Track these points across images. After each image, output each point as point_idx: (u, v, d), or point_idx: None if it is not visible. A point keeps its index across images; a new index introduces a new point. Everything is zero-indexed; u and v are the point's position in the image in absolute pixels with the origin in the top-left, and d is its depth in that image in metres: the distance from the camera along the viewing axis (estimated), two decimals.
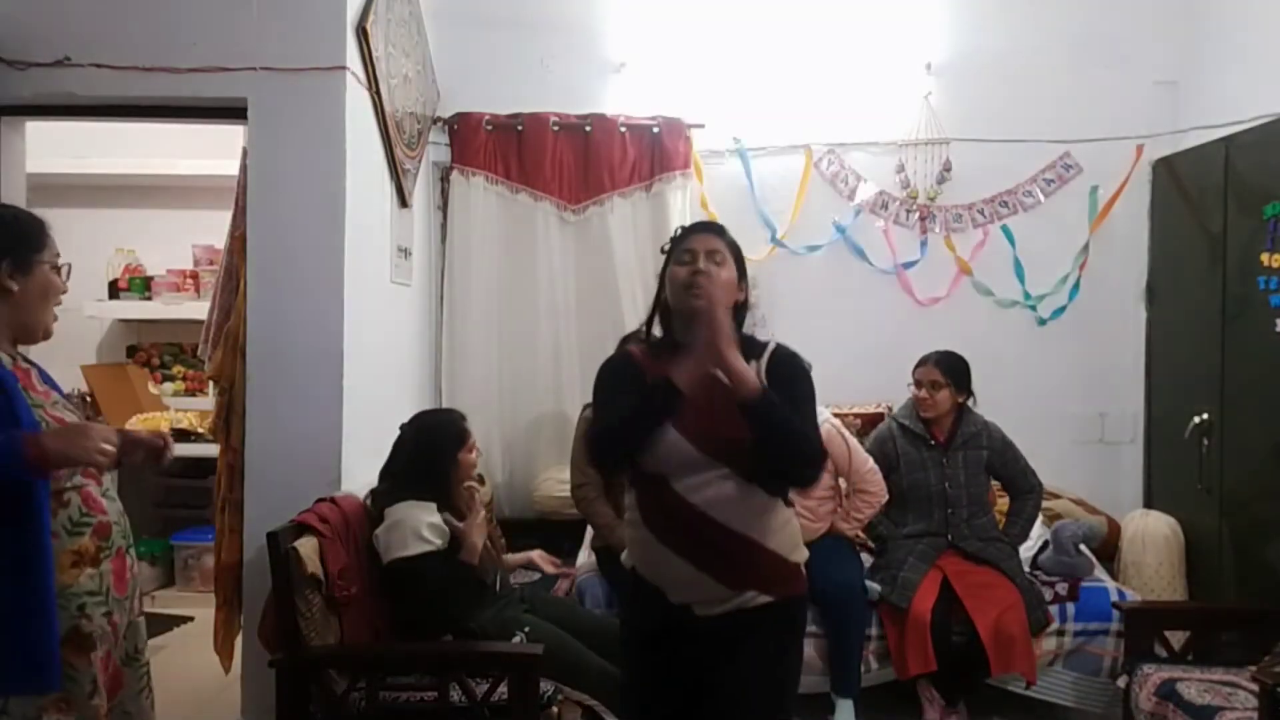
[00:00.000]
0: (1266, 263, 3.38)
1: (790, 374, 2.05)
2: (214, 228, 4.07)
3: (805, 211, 4.34)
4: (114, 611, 1.92)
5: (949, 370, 3.53)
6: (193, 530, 4.70)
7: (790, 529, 2.08)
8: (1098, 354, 4.32)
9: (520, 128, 4.20)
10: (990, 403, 3.66)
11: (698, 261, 2.04)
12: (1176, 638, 3.04)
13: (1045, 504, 3.96)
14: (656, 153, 4.20)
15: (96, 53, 3.08)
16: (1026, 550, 3.66)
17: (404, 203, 3.75)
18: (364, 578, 2.82)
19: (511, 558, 3.43)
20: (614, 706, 2.78)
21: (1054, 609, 3.36)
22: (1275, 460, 3.32)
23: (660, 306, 2.14)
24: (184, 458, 3.45)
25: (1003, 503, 3.81)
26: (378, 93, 3.34)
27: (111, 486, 2.01)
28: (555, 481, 4.02)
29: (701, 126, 4.25)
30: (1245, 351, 3.55)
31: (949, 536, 3.47)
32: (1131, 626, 3.08)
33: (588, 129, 4.20)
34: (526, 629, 2.85)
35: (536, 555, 3.44)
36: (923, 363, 3.58)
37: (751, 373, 1.90)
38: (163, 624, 4.25)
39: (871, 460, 3.52)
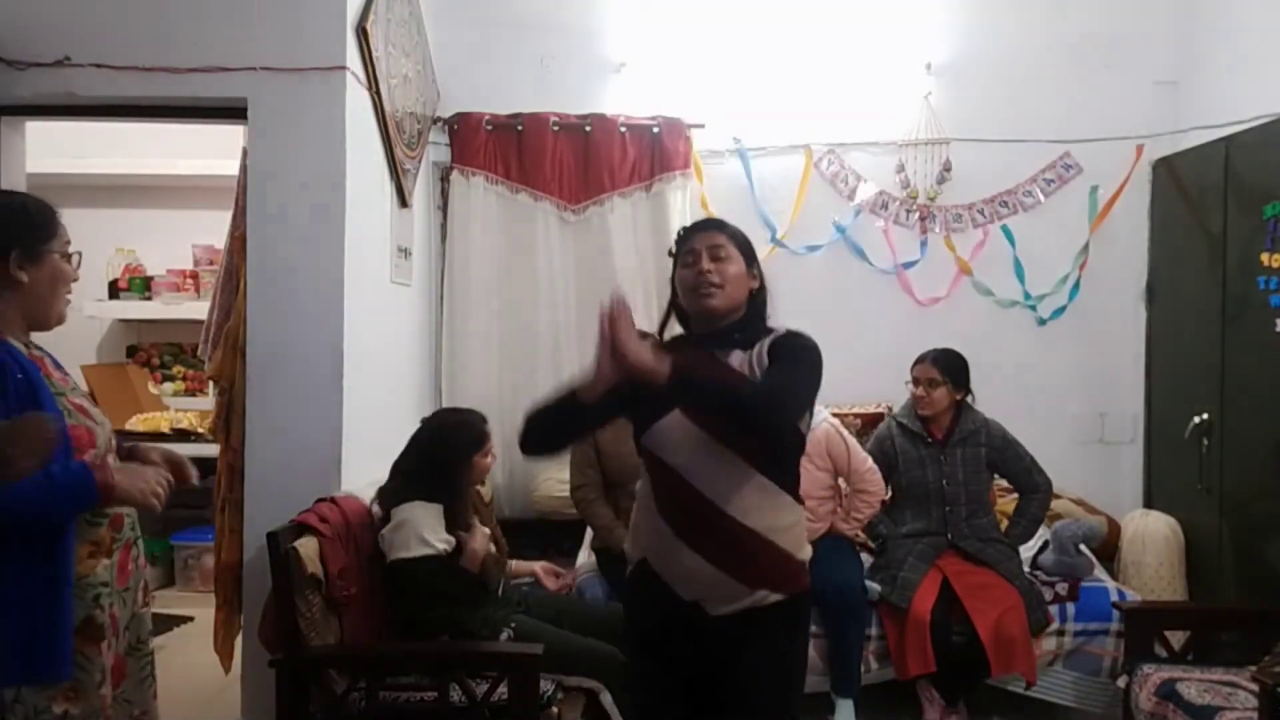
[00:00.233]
0: (1266, 263, 3.38)
1: (781, 347, 2.02)
2: (214, 228, 4.07)
3: (805, 211, 4.34)
4: (114, 603, 1.93)
5: (946, 368, 3.53)
6: (193, 530, 4.70)
7: (799, 528, 2.08)
8: (1098, 354, 4.32)
9: (520, 128, 4.20)
10: (990, 403, 3.66)
11: (700, 262, 2.04)
12: (1176, 638, 3.04)
13: None
14: (656, 153, 4.20)
15: (96, 53, 3.08)
16: (1027, 550, 3.66)
17: (404, 203, 3.75)
18: (364, 578, 2.82)
19: (517, 565, 3.37)
20: (612, 684, 2.80)
21: (1054, 609, 3.36)
22: (1275, 460, 3.32)
23: (676, 310, 2.15)
24: None
25: (1003, 503, 3.81)
26: (378, 93, 3.34)
27: None
28: (555, 482, 4.02)
29: (701, 126, 4.25)
30: (1245, 351, 3.55)
31: (948, 535, 3.47)
32: (1131, 626, 3.08)
33: (588, 129, 4.20)
34: (513, 625, 2.85)
35: (540, 568, 3.38)
36: (920, 360, 3.58)
37: (656, 361, 1.82)
38: (163, 624, 4.25)
39: (871, 460, 3.52)
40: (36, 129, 3.53)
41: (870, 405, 4.17)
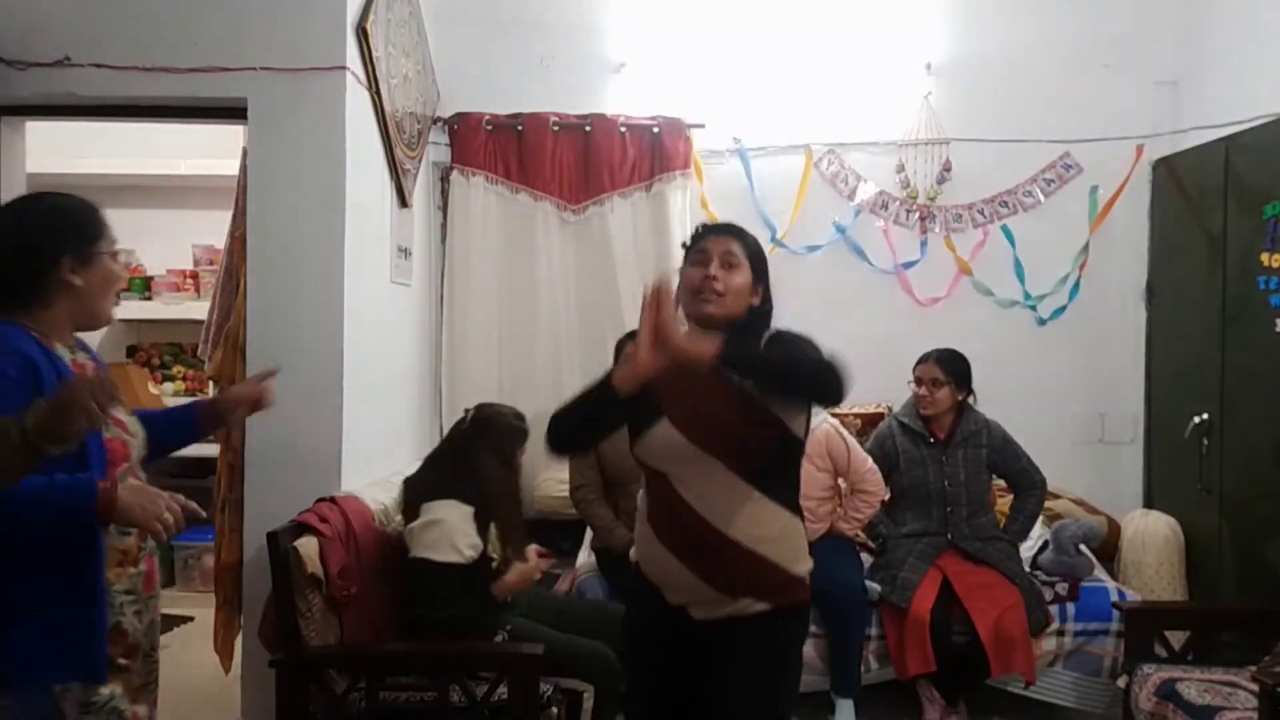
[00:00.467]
0: (1266, 263, 3.38)
1: (779, 342, 2.02)
2: (214, 228, 4.07)
3: (805, 211, 4.34)
4: (142, 611, 1.94)
5: (949, 368, 3.53)
6: (193, 530, 4.68)
7: (793, 539, 2.03)
8: (1098, 354, 4.32)
9: (520, 128, 4.20)
10: (990, 403, 3.66)
11: (710, 265, 2.02)
12: (1176, 638, 3.04)
13: (1045, 504, 3.96)
14: (656, 153, 4.20)
15: (96, 53, 3.08)
16: (1027, 550, 3.66)
17: (404, 203, 3.75)
18: (364, 578, 2.82)
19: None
20: (603, 686, 2.79)
21: (1054, 609, 3.36)
22: (1275, 460, 3.32)
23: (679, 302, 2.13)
24: (184, 458, 3.44)
25: (1002, 504, 3.81)
26: (378, 93, 3.34)
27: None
28: (555, 481, 4.02)
29: (701, 126, 4.25)
30: (1245, 351, 3.55)
31: (948, 535, 3.47)
32: (1131, 626, 3.08)
33: (588, 129, 4.19)
34: (509, 627, 2.84)
35: (533, 552, 3.21)
36: (923, 360, 3.58)
37: (698, 342, 1.82)
38: (163, 624, 4.20)
39: (871, 460, 3.52)
40: (36, 129, 3.53)
41: (870, 405, 4.17)
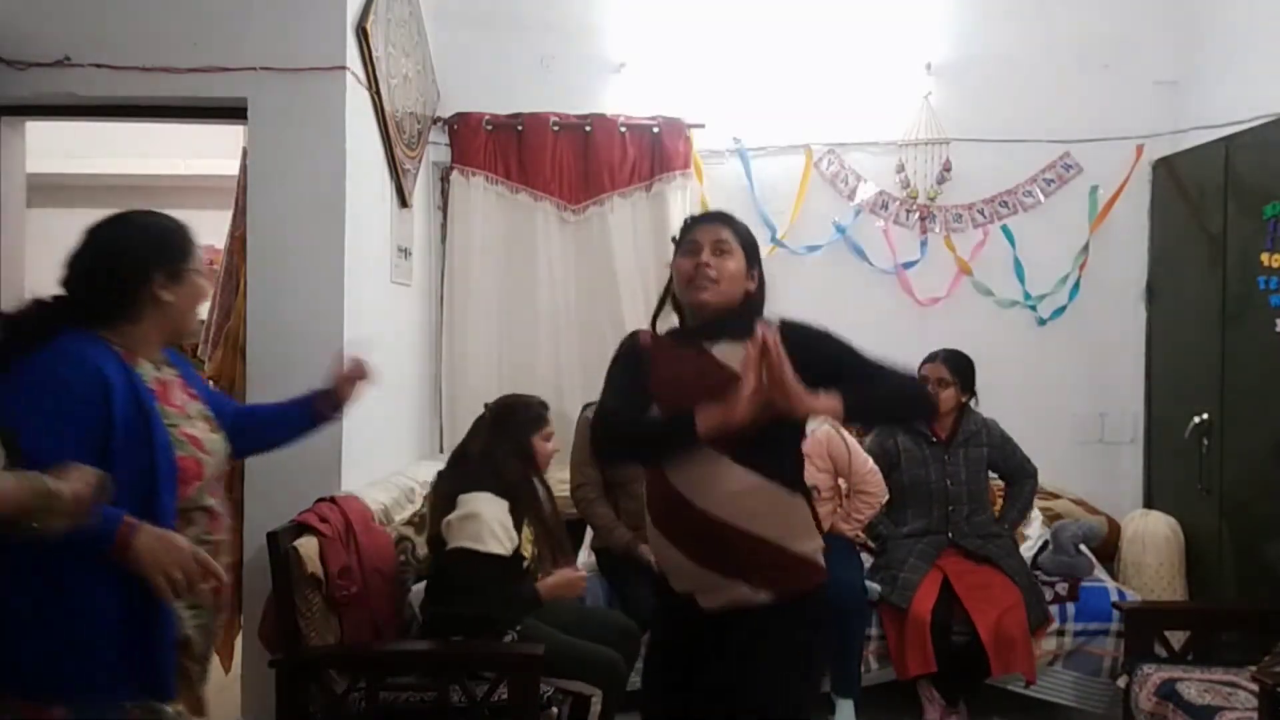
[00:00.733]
0: (1266, 263, 3.38)
1: (809, 343, 1.97)
2: (214, 228, 4.05)
3: (805, 211, 4.34)
4: (206, 625, 1.94)
5: (956, 369, 3.53)
6: None
7: (790, 516, 1.99)
8: (1098, 354, 4.32)
9: (520, 128, 4.20)
10: (991, 403, 3.66)
11: (701, 254, 2.02)
12: (1176, 638, 3.04)
13: (1045, 504, 3.97)
14: (656, 153, 4.20)
15: (96, 53, 3.08)
16: (1027, 550, 3.66)
17: (404, 203, 3.75)
18: (364, 578, 2.82)
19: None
20: (610, 692, 2.79)
21: (1054, 609, 3.37)
22: (1275, 460, 3.32)
23: (670, 297, 2.13)
24: None
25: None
26: (378, 93, 3.34)
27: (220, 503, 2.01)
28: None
29: (701, 126, 4.25)
30: (1245, 351, 3.55)
31: (949, 534, 3.47)
32: (1131, 626, 3.08)
33: (588, 129, 4.19)
34: (519, 627, 2.84)
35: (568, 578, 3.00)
36: (931, 359, 3.57)
37: (825, 398, 1.82)
38: None
39: (872, 461, 3.52)
40: (36, 129, 3.53)
41: None
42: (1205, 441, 3.74)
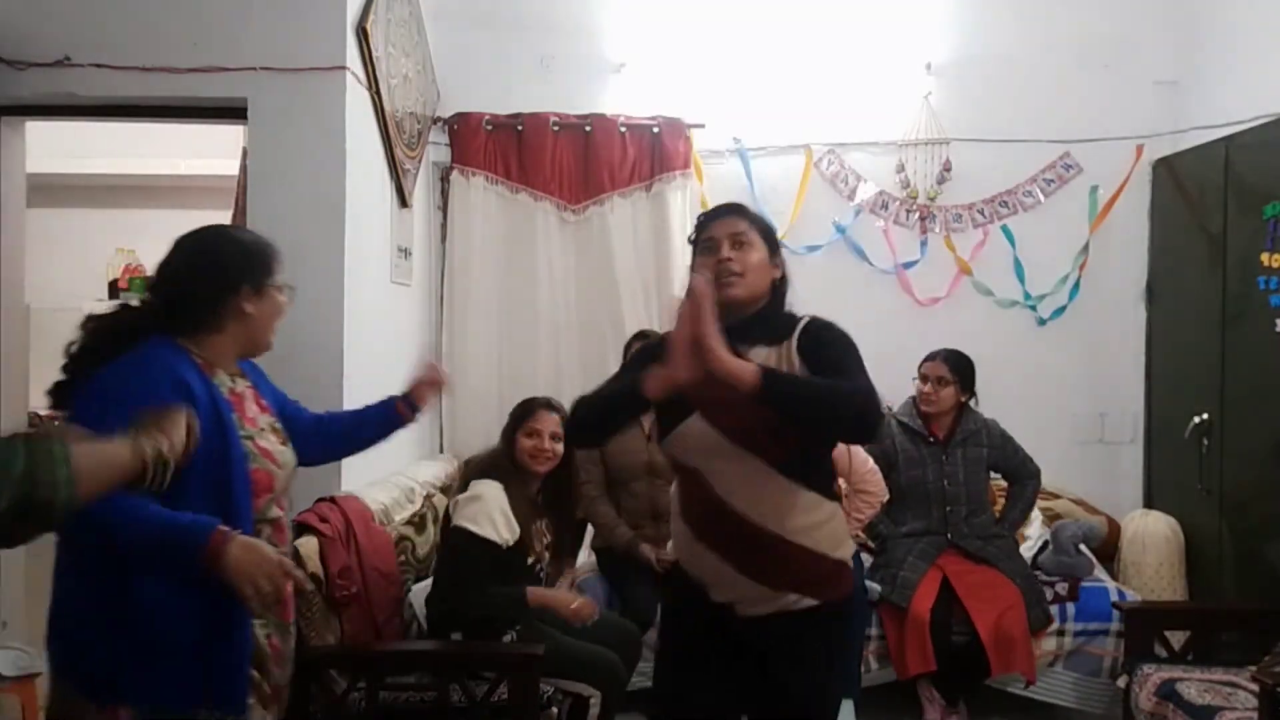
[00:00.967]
0: (1266, 263, 3.38)
1: (818, 341, 1.95)
2: None
3: (805, 211, 4.34)
4: (274, 635, 1.95)
5: (956, 368, 3.53)
6: None
7: (833, 524, 2.00)
8: (1098, 354, 4.32)
9: (520, 128, 4.20)
10: (991, 403, 3.66)
11: (720, 250, 1.99)
12: (1176, 638, 3.04)
13: (1045, 504, 3.97)
14: (656, 153, 4.20)
15: (96, 53, 3.08)
16: (1027, 550, 3.67)
17: (404, 203, 3.75)
18: (364, 577, 2.82)
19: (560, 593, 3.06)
20: (610, 693, 2.80)
21: (1054, 609, 3.37)
22: (1275, 460, 3.32)
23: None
24: None
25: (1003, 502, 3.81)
26: (378, 93, 3.34)
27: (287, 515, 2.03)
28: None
29: (701, 126, 4.25)
30: (1245, 351, 3.55)
31: (948, 535, 3.47)
32: (1131, 626, 3.08)
33: (588, 129, 4.19)
34: (518, 628, 2.84)
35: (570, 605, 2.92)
36: (931, 358, 3.58)
37: (744, 365, 1.75)
38: None
39: (871, 460, 3.52)
40: (36, 129, 3.52)
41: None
42: (1205, 441, 3.74)
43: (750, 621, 1.97)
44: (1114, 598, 3.38)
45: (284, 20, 3.09)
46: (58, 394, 1.82)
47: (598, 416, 2.04)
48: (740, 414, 1.88)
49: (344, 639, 2.69)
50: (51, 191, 4.25)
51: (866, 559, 3.59)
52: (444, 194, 4.27)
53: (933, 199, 4.33)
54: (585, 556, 3.64)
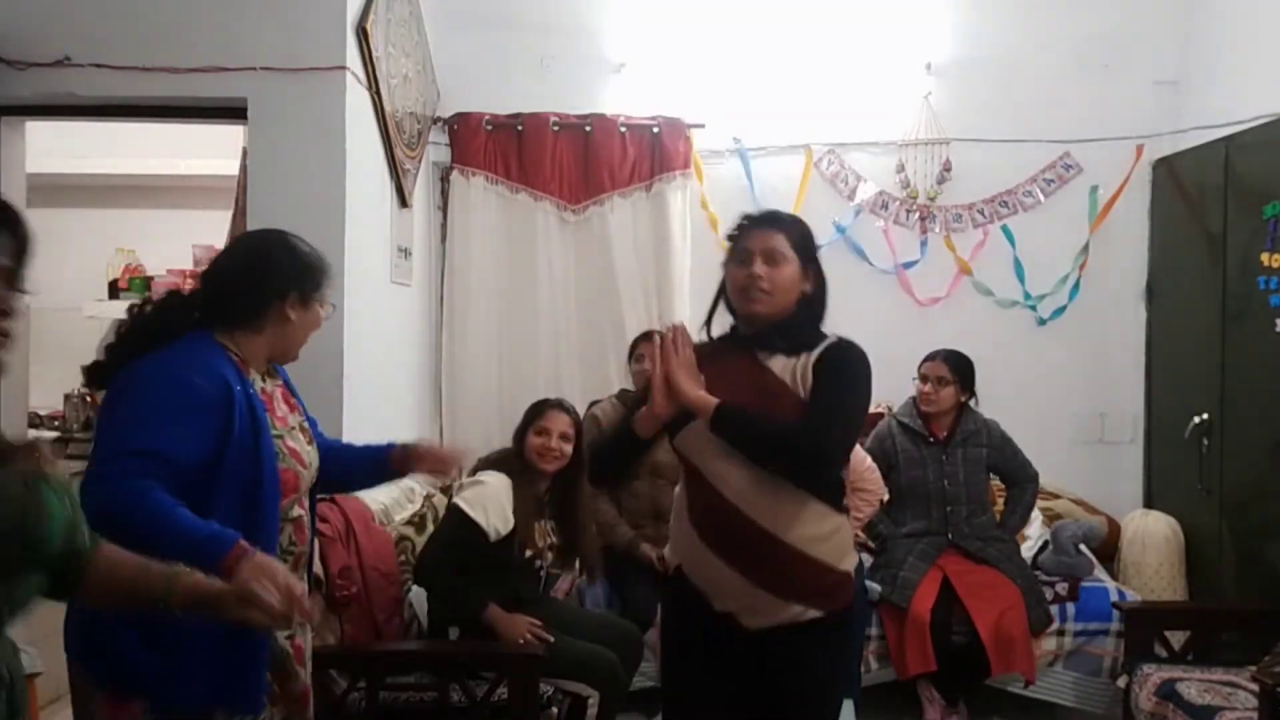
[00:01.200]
0: (1266, 263, 3.38)
1: (830, 367, 1.97)
2: (214, 228, 4.07)
3: (805, 211, 4.25)
4: (295, 634, 1.95)
5: (956, 368, 3.53)
6: None
7: (840, 536, 2.00)
8: (1098, 354, 4.32)
9: (520, 128, 4.20)
10: (991, 403, 3.66)
11: (753, 264, 1.98)
12: (1176, 638, 3.04)
13: (1045, 504, 3.97)
14: (656, 153, 4.20)
15: (96, 53, 3.08)
16: (1027, 550, 3.67)
17: (404, 203, 3.75)
18: (364, 577, 2.82)
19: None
20: (608, 693, 2.80)
21: (1054, 609, 3.37)
22: (1275, 460, 3.32)
23: (725, 300, 2.08)
24: None
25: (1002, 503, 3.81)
26: (378, 93, 3.34)
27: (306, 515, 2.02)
28: None
29: (701, 126, 4.25)
30: (1245, 351, 3.55)
31: (949, 535, 3.47)
32: (1131, 626, 3.08)
33: (588, 129, 4.19)
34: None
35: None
36: (931, 357, 3.58)
37: (705, 400, 1.90)
38: None
39: (870, 459, 3.52)
40: (36, 129, 3.53)
41: (870, 405, 4.16)
42: (1205, 441, 3.74)
43: (752, 633, 1.95)
44: (1114, 598, 3.38)
45: (284, 20, 3.09)
46: (93, 374, 1.85)
47: (610, 459, 2.18)
48: (749, 409, 1.95)
49: (344, 639, 2.69)
50: (51, 191, 4.25)
51: (867, 559, 3.58)
52: (444, 194, 4.27)
53: (933, 199, 4.33)
54: None
